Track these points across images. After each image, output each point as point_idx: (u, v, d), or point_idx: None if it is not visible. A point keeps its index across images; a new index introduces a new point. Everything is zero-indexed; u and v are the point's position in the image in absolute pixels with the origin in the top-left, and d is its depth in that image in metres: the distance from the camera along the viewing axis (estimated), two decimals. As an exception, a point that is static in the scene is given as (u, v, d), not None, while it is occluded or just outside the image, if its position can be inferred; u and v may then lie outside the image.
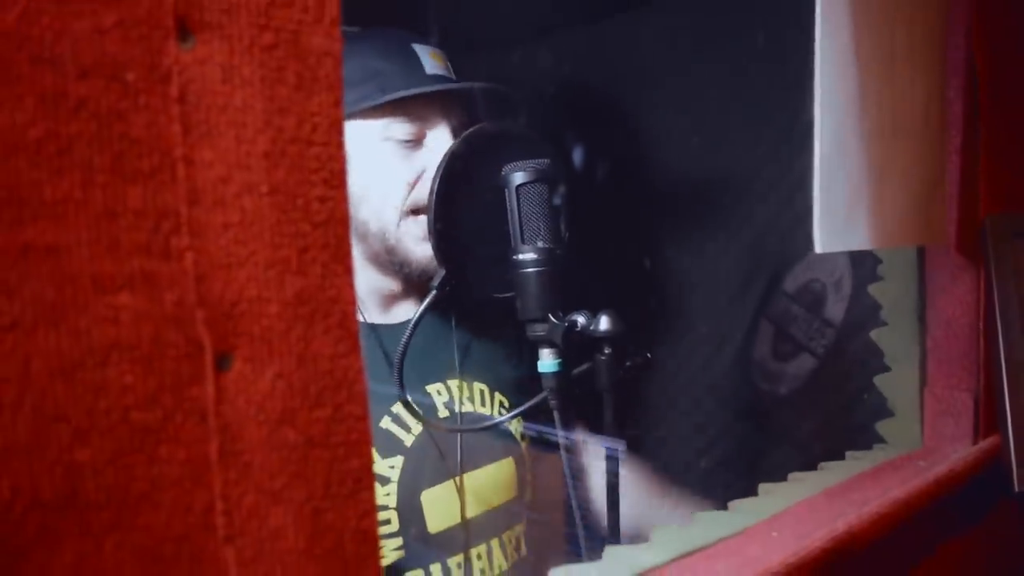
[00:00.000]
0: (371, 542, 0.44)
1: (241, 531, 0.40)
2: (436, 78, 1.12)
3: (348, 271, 0.43)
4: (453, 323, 1.24)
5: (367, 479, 0.44)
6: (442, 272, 1.04)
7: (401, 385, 1.00)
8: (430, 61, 1.13)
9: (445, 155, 1.01)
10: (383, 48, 1.13)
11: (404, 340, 1.00)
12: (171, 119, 0.38)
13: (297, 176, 0.41)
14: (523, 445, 1.25)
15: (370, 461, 0.44)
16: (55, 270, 0.35)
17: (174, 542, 0.38)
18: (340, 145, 0.42)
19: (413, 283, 1.18)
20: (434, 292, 1.04)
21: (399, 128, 1.11)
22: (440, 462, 1.14)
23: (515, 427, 1.25)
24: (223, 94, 0.39)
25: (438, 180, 0.99)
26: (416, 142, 1.12)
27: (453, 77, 1.15)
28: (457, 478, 1.14)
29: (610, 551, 0.77)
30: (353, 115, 1.10)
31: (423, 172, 1.11)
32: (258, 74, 0.40)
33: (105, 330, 0.36)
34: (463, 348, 1.24)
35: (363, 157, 1.12)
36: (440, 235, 1.00)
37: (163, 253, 0.38)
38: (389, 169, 1.11)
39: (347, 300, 0.43)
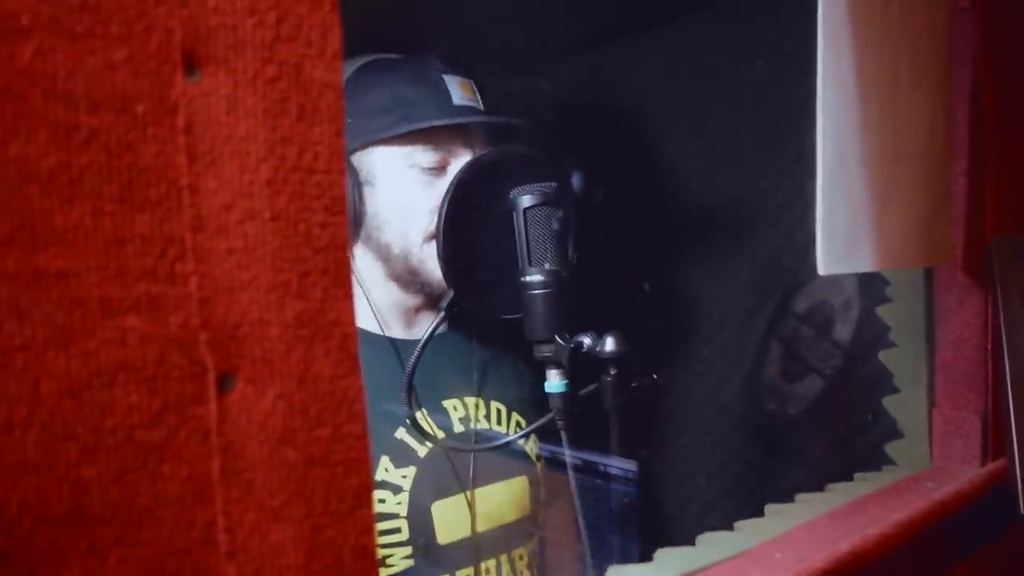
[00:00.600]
0: (370, 558, 0.45)
1: (243, 547, 0.41)
2: (463, 108, 1.15)
3: (348, 295, 0.44)
4: (474, 341, 1.26)
5: (366, 496, 0.45)
6: (451, 294, 1.06)
7: (409, 405, 1.01)
8: (458, 91, 1.15)
9: (452, 180, 1.04)
10: (413, 77, 1.16)
11: (412, 362, 1.03)
12: (177, 149, 0.39)
13: (298, 203, 0.42)
14: (538, 466, 1.26)
15: (369, 479, 0.45)
16: (65, 294, 0.37)
17: (176, 557, 0.40)
18: (341, 172, 0.43)
19: (435, 300, 1.21)
20: (442, 313, 1.06)
21: (423, 156, 1.14)
22: (453, 475, 1.16)
23: (531, 448, 1.26)
24: (228, 125, 0.40)
25: (445, 205, 1.02)
26: (440, 169, 1.15)
27: (481, 107, 1.18)
28: (468, 492, 1.16)
29: (613, 571, 0.77)
30: (380, 142, 1.14)
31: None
32: (261, 106, 0.41)
33: (112, 352, 0.38)
34: (483, 366, 1.26)
35: (388, 183, 1.16)
36: (448, 258, 1.02)
37: (169, 278, 0.39)
38: (413, 195, 1.14)
39: (347, 323, 0.44)
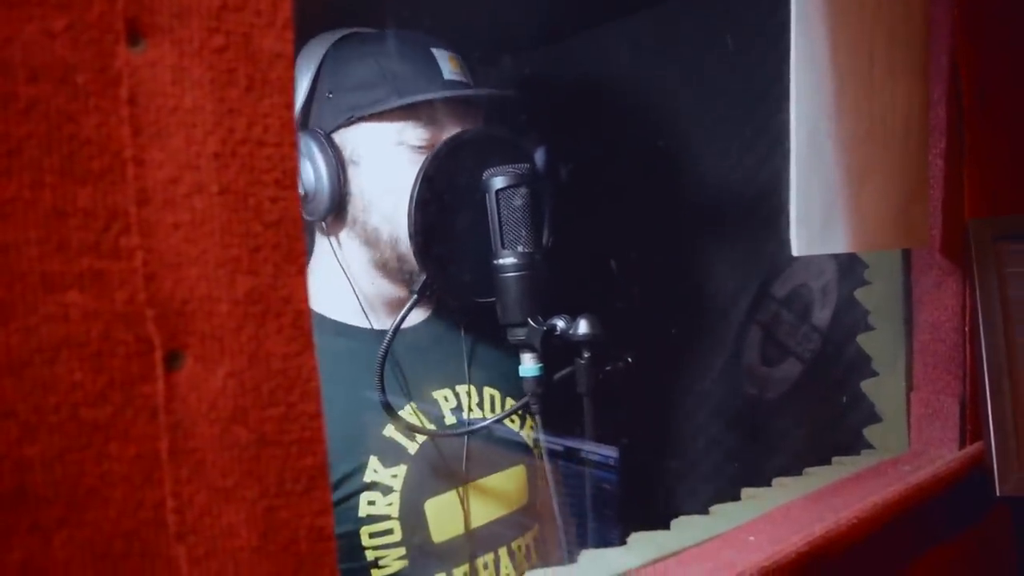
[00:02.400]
0: (326, 539, 0.45)
1: (193, 528, 0.41)
2: (453, 83, 1.10)
3: (301, 271, 0.43)
4: (463, 325, 1.22)
5: (321, 478, 0.44)
6: (422, 277, 1.04)
7: (382, 391, 1.00)
8: (448, 66, 1.11)
9: (424, 161, 1.01)
10: (401, 51, 1.10)
11: (383, 347, 1.00)
12: (121, 120, 0.38)
13: (248, 176, 0.41)
14: (536, 453, 1.23)
15: (324, 460, 0.45)
16: (3, 269, 0.36)
17: (124, 538, 0.39)
18: (292, 145, 0.42)
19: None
20: (415, 297, 1.04)
21: (413, 133, 1.08)
22: (445, 470, 1.12)
23: (527, 434, 1.22)
24: (173, 96, 0.39)
25: (417, 186, 0.99)
26: (429, 148, 1.08)
27: (471, 83, 1.13)
28: (462, 488, 1.12)
29: (586, 555, 0.77)
30: (367, 118, 1.09)
31: None
32: (208, 76, 0.40)
33: (54, 328, 0.37)
34: (474, 351, 1.21)
35: (375, 162, 1.10)
36: (420, 240, 1.00)
37: (113, 252, 0.38)
38: (402, 175, 1.07)
39: (300, 299, 0.43)
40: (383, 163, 1.10)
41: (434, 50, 1.11)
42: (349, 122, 1.09)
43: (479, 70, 1.19)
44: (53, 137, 0.37)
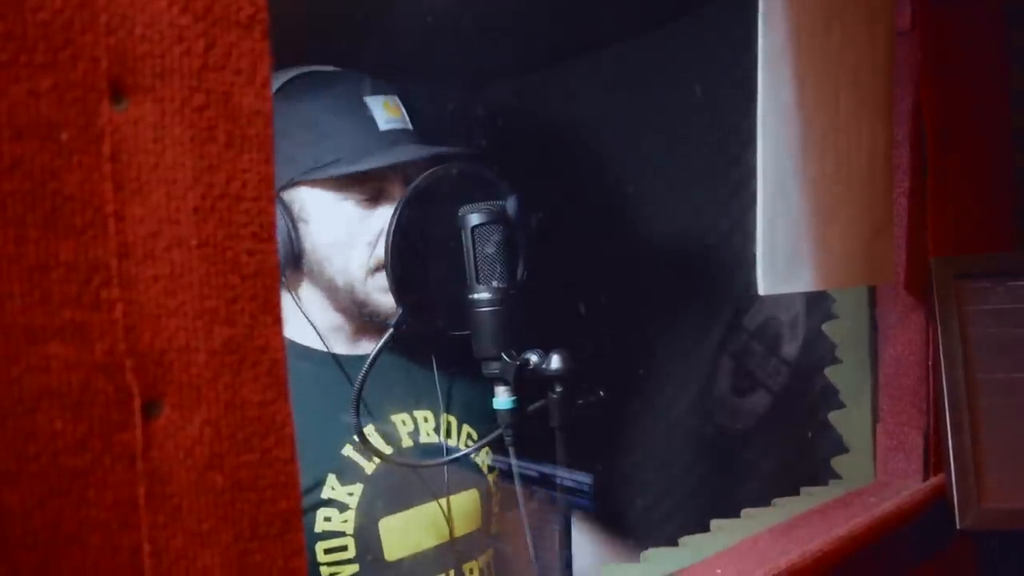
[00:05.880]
0: (299, 582, 0.46)
1: (169, 572, 0.41)
2: (390, 133, 1.12)
3: (277, 321, 0.44)
4: (424, 354, 1.24)
5: (295, 521, 0.45)
6: (399, 311, 1.06)
7: (358, 424, 1.01)
8: (383, 114, 1.13)
9: (402, 198, 1.04)
10: (337, 104, 1.12)
11: (360, 378, 1.02)
12: (103, 177, 0.39)
13: (226, 230, 0.42)
14: (490, 478, 1.26)
15: (298, 504, 0.46)
16: (-13, 321, 0.37)
17: (101, 584, 0.40)
18: (270, 200, 0.44)
19: (382, 323, 1.19)
20: (391, 331, 1.06)
21: (354, 190, 1.11)
22: (401, 490, 1.15)
23: (482, 460, 1.26)
24: (154, 153, 0.41)
25: (393, 223, 1.02)
26: (373, 199, 1.12)
27: (409, 125, 1.16)
28: (416, 508, 1.15)
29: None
30: (311, 183, 1.12)
31: (382, 229, 1.10)
32: (189, 133, 0.41)
33: (36, 378, 0.38)
34: (432, 379, 1.24)
35: (322, 219, 1.13)
36: (396, 275, 1.02)
37: (93, 304, 0.39)
38: (349, 229, 1.12)
39: (275, 348, 0.44)
40: (330, 219, 1.13)
41: (367, 99, 1.13)
42: (291, 184, 1.12)
43: (429, 113, 1.19)
44: (37, 193, 0.38)
